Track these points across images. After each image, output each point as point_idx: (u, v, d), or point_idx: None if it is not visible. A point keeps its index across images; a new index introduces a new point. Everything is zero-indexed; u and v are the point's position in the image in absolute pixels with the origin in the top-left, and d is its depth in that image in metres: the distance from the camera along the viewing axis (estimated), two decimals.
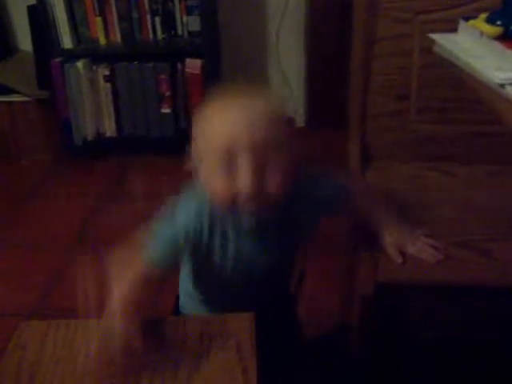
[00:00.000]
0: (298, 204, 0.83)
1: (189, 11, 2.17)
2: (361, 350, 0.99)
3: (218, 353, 0.76)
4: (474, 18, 0.78)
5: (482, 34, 0.75)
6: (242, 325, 0.79)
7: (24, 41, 2.40)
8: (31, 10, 2.19)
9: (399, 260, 0.95)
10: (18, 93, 2.26)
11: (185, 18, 2.18)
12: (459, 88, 1.20)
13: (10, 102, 2.27)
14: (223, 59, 2.40)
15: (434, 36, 0.78)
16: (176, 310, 0.98)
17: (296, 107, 2.49)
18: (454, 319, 0.99)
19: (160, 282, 0.82)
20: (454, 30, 0.90)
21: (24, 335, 0.79)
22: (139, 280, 0.78)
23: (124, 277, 0.78)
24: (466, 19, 0.80)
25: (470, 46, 0.75)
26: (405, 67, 1.23)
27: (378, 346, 0.99)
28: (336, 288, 1.43)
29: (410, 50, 1.20)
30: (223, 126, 0.73)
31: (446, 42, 0.77)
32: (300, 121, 2.52)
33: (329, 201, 0.89)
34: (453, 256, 0.97)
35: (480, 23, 0.76)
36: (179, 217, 0.80)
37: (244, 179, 0.72)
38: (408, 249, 0.96)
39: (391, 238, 0.96)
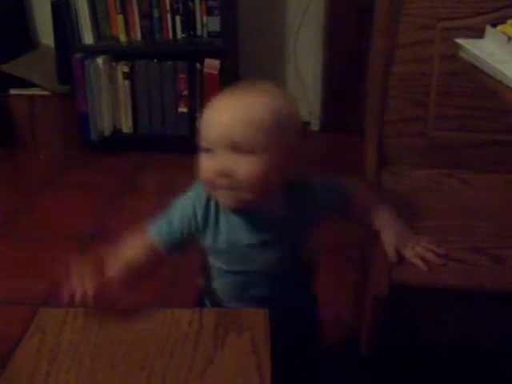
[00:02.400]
0: (294, 205, 0.87)
1: (209, 12, 2.19)
2: (371, 351, 1.00)
3: (233, 346, 0.76)
4: (502, 23, 0.79)
5: (509, 39, 0.76)
6: (256, 319, 0.80)
7: (46, 35, 2.44)
8: (55, 5, 2.22)
9: (393, 259, 0.95)
10: (37, 86, 2.29)
11: (205, 19, 2.21)
12: (478, 96, 1.23)
13: (30, 96, 2.31)
14: (241, 60, 2.42)
15: (460, 41, 0.79)
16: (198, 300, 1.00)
17: (311, 110, 2.50)
18: (466, 323, 0.99)
19: (159, 259, 0.89)
20: (476, 37, 0.91)
21: (43, 321, 0.81)
22: (140, 245, 0.87)
23: (126, 242, 0.88)
24: (494, 25, 0.81)
25: (497, 52, 0.76)
26: (424, 74, 1.23)
27: (389, 347, 1.00)
28: (349, 289, 1.44)
29: (430, 57, 1.21)
30: (210, 116, 0.82)
31: (472, 47, 0.78)
32: (315, 124, 2.53)
33: (328, 204, 0.91)
34: (467, 261, 0.98)
35: (508, 28, 0.77)
36: (177, 204, 0.89)
37: (218, 159, 0.80)
38: (405, 252, 0.96)
39: (391, 237, 0.97)
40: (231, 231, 0.87)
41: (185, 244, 0.90)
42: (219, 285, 0.94)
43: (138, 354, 0.75)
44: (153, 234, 0.88)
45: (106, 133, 2.33)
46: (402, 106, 1.27)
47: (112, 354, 0.75)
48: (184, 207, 0.88)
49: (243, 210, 0.85)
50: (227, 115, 0.80)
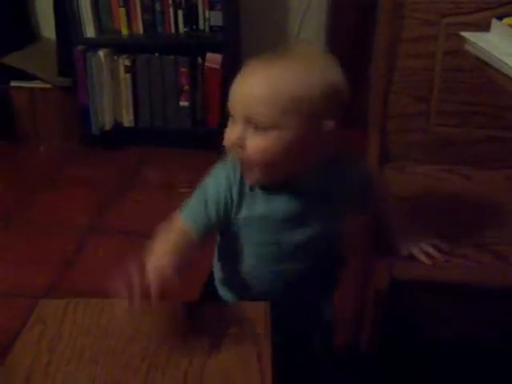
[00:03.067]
0: (331, 179, 0.84)
1: (211, 6, 2.18)
2: (372, 347, 1.00)
3: (234, 340, 0.76)
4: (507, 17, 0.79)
5: None
6: (257, 313, 0.80)
7: (47, 28, 2.43)
8: None
9: (406, 254, 0.96)
10: (39, 79, 2.28)
11: (207, 13, 2.20)
12: (480, 92, 1.22)
13: (31, 89, 2.30)
14: (243, 55, 2.41)
15: (466, 34, 0.79)
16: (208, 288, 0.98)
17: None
18: (467, 320, 0.99)
19: (197, 244, 0.83)
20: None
21: (43, 312, 0.81)
22: (180, 236, 0.81)
23: (165, 235, 0.80)
24: (500, 18, 0.80)
25: (503, 44, 0.75)
26: (428, 69, 1.23)
27: (390, 342, 0.99)
28: (349, 285, 1.44)
29: (433, 53, 1.21)
30: (235, 85, 0.78)
31: (477, 40, 0.77)
32: None
33: (359, 184, 0.89)
34: (469, 257, 0.98)
35: None
36: (211, 183, 0.84)
37: (234, 129, 0.78)
38: (411, 249, 0.96)
39: (403, 234, 0.97)
40: (267, 202, 0.83)
41: (218, 226, 0.85)
42: (243, 262, 0.89)
43: (138, 347, 0.75)
44: (188, 220, 0.83)
45: (107, 126, 2.33)
46: (405, 102, 1.27)
47: (112, 346, 0.75)
48: (219, 187, 0.83)
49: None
50: (247, 85, 0.76)
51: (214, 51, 2.19)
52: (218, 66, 2.19)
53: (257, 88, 0.75)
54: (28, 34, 2.44)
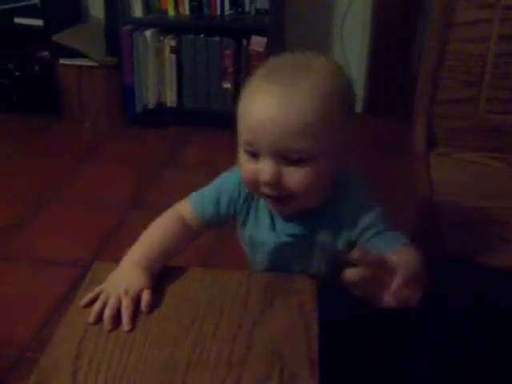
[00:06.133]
0: (330, 214, 0.78)
1: None
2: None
3: (281, 309, 0.78)
4: None
5: None
6: (304, 285, 0.81)
7: (96, 8, 2.48)
8: None
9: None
10: (86, 57, 2.33)
11: None
12: None
13: (79, 66, 2.36)
14: (288, 39, 2.41)
15: None
16: None
17: (356, 91, 2.48)
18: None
19: (195, 232, 0.87)
20: None
21: (98, 273, 0.84)
22: (175, 225, 0.85)
23: (156, 227, 0.85)
24: None
25: None
26: (480, 54, 1.22)
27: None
28: None
29: (487, 37, 1.20)
30: (251, 113, 0.70)
31: None
32: (358, 106, 2.51)
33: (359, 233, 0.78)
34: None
35: None
36: (230, 179, 0.85)
37: (264, 167, 0.71)
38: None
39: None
40: (255, 227, 0.85)
41: (223, 222, 0.88)
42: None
43: (189, 309, 0.77)
44: (197, 212, 0.86)
45: (151, 106, 2.37)
46: (455, 87, 1.26)
47: (164, 307, 0.77)
48: (232, 192, 0.84)
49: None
50: (275, 120, 0.67)
51: (259, 34, 2.20)
52: (262, 49, 2.20)
53: (290, 120, 0.67)
54: (77, 12, 2.50)
